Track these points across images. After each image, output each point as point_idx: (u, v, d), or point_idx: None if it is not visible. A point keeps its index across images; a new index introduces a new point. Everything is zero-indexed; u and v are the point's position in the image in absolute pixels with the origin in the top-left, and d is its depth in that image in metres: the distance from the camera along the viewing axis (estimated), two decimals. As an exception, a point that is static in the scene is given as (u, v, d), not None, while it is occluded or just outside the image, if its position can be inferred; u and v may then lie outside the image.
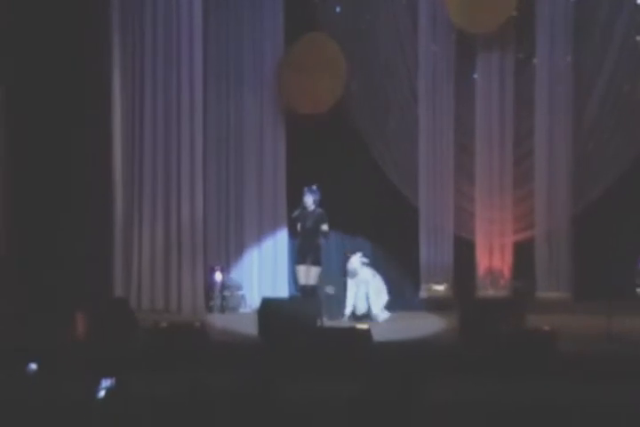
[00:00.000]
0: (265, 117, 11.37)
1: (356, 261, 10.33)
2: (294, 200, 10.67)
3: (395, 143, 11.19)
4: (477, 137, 11.05)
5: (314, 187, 10.10)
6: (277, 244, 11.38)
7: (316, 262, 10.03)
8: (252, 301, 11.02)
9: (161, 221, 11.11)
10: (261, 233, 11.39)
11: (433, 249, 11.10)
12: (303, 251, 10.08)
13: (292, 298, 10.72)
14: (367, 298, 10.28)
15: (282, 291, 11.22)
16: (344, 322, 10.11)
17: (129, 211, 11.18)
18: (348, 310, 10.28)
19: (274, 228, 11.36)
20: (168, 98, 11.04)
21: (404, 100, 11.20)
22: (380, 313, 10.27)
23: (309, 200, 10.06)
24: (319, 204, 10.10)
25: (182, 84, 11.04)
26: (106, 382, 5.64)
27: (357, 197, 11.21)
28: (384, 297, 10.33)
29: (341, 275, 11.10)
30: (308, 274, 10.01)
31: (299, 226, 10.14)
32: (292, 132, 11.33)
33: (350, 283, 10.36)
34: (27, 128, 10.74)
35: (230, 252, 11.44)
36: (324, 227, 9.96)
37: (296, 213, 10.17)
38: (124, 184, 11.15)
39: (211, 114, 11.33)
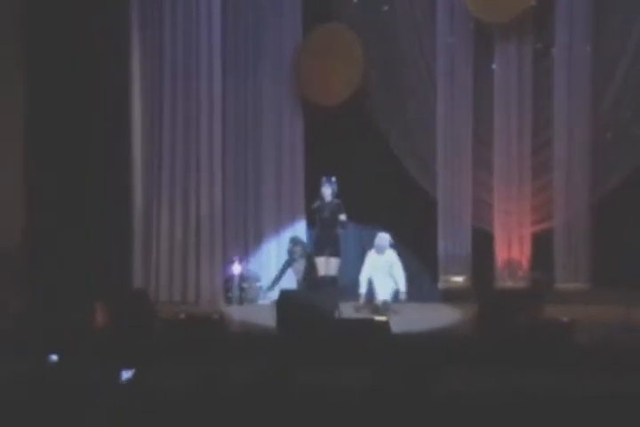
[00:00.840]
0: (283, 108, 11.37)
1: (387, 238, 10.18)
2: (312, 191, 10.68)
3: (412, 134, 11.17)
4: (495, 127, 11.01)
5: (332, 178, 10.12)
6: (296, 234, 11.38)
7: (335, 253, 10.04)
8: (270, 292, 11.05)
9: (180, 212, 11.17)
10: (279, 224, 11.41)
11: (451, 240, 11.09)
12: (321, 242, 10.12)
13: (309, 289, 10.73)
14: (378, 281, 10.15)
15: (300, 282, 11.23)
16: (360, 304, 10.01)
17: (148, 202, 11.23)
18: (362, 289, 10.12)
19: (292, 219, 11.38)
20: (187, 89, 11.09)
21: (422, 90, 11.17)
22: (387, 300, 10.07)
23: (327, 191, 10.09)
24: (336, 195, 10.13)
25: (201, 75, 11.08)
26: (126, 374, 5.68)
27: (375, 188, 11.20)
28: (395, 285, 10.15)
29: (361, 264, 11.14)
30: (328, 265, 10.03)
31: (315, 217, 10.15)
32: (309, 123, 11.33)
33: (370, 259, 10.20)
34: (45, 119, 10.80)
35: (249, 243, 11.47)
36: (342, 217, 9.98)
37: (315, 204, 10.18)
38: (143, 175, 11.22)
39: (229, 105, 11.34)
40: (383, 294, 10.08)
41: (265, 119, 11.39)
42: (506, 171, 11.00)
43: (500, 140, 11.01)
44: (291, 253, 10.89)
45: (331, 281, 10.00)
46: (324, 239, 10.08)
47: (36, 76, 10.75)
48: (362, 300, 10.14)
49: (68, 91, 10.79)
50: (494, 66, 11.03)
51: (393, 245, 10.29)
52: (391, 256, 10.23)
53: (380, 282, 10.15)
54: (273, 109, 11.38)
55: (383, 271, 10.18)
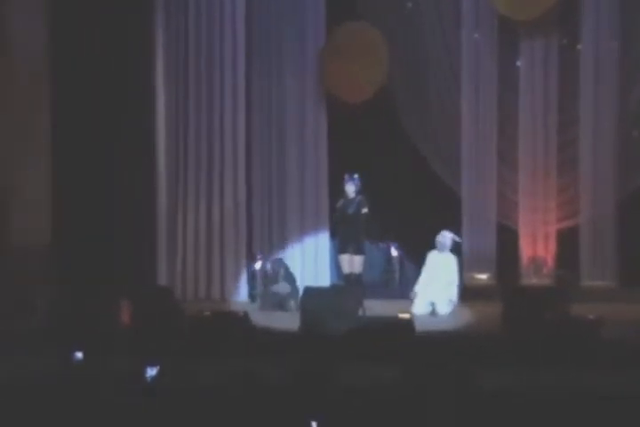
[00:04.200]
0: (307, 106, 11.36)
1: (449, 236, 10.08)
2: (336, 188, 10.68)
3: (436, 131, 11.13)
4: (521, 124, 10.96)
5: (354, 175, 10.08)
6: (319, 232, 11.39)
7: (359, 251, 10.03)
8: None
9: (204, 209, 11.20)
10: (304, 221, 11.40)
11: (476, 238, 11.05)
12: (345, 240, 10.09)
13: (333, 287, 10.75)
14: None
15: (324, 279, 11.26)
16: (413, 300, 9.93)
17: (172, 199, 11.26)
18: (417, 287, 10.05)
19: (316, 215, 11.36)
20: (211, 85, 11.10)
21: (447, 87, 11.13)
22: (444, 306, 9.94)
23: (350, 189, 10.04)
24: (360, 192, 10.07)
25: (225, 74, 11.10)
26: (151, 371, 5.71)
27: (398, 185, 11.18)
28: (452, 291, 10.02)
29: (384, 263, 11.13)
30: (353, 262, 10.01)
31: (337, 214, 10.11)
32: (333, 120, 11.32)
33: (432, 257, 10.13)
34: (70, 116, 10.85)
35: (273, 240, 11.47)
36: (365, 210, 9.95)
37: (339, 203, 10.15)
38: (168, 171, 11.24)
39: (253, 103, 11.34)
40: (441, 305, 9.91)
41: (289, 117, 11.37)
42: (531, 168, 10.95)
43: (526, 137, 10.96)
44: (273, 273, 10.67)
45: (355, 279, 9.99)
46: (347, 237, 10.07)
47: (61, 71, 10.79)
48: (415, 301, 9.99)
49: (92, 86, 10.81)
50: (519, 63, 10.98)
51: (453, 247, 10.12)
52: (450, 258, 10.10)
53: (439, 290, 9.99)
54: (297, 107, 11.36)
55: (442, 275, 10.04)
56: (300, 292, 9.95)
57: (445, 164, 11.14)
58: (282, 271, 10.67)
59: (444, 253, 10.07)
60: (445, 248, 10.08)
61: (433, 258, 10.12)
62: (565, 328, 8.21)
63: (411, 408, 4.89)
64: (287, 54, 11.33)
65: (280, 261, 10.85)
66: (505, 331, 8.66)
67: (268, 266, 10.86)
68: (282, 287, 10.54)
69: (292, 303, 10.24)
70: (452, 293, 10.00)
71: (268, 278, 10.75)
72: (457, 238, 10.20)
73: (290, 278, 10.66)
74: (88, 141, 10.91)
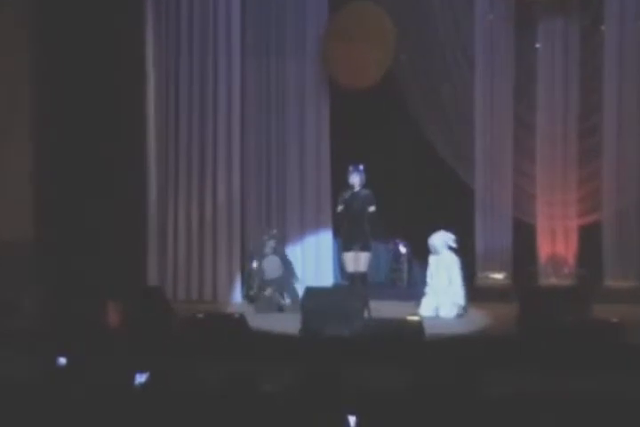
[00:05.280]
0: (308, 90, 11.40)
1: (439, 237, 10.12)
2: (339, 181, 10.72)
3: (448, 118, 11.15)
4: (539, 111, 10.99)
5: (359, 166, 10.08)
6: (321, 228, 11.44)
7: (366, 248, 10.03)
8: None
9: (196, 203, 11.25)
10: (304, 216, 11.46)
11: (490, 234, 11.11)
12: (350, 236, 10.07)
13: (336, 287, 10.79)
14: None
15: (326, 279, 11.30)
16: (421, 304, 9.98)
17: (162, 193, 11.32)
18: (426, 289, 10.10)
19: (317, 211, 11.42)
20: (204, 70, 11.16)
21: (459, 72, 11.15)
22: (448, 310, 9.96)
23: (356, 180, 10.03)
24: (365, 185, 10.11)
25: (219, 54, 11.14)
26: (140, 377, 5.75)
27: (406, 176, 11.24)
28: (454, 293, 9.99)
29: (391, 261, 11.18)
30: (358, 261, 9.99)
31: (341, 208, 10.08)
32: (336, 106, 11.35)
33: (431, 260, 10.13)
34: (54, 103, 10.90)
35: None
36: (372, 208, 9.96)
37: (343, 195, 10.10)
38: (158, 164, 11.30)
39: (249, 87, 11.40)
40: (444, 308, 9.93)
41: (287, 105, 11.42)
42: (550, 157, 10.98)
43: (544, 125, 10.99)
44: (261, 247, 10.66)
45: (360, 278, 10.01)
46: (352, 233, 10.08)
47: (44, 57, 10.84)
48: (422, 302, 10.03)
49: (77, 74, 10.88)
50: (538, 45, 11.00)
51: (453, 248, 10.10)
52: (447, 259, 10.08)
53: (441, 294, 10.00)
54: (296, 94, 11.41)
55: (442, 277, 10.05)
56: (301, 290, 9.99)
57: (457, 154, 11.17)
58: (272, 244, 10.58)
59: (441, 254, 10.09)
60: (438, 250, 10.09)
61: (431, 261, 10.17)
62: (586, 332, 8.24)
63: (420, 416, 4.93)
64: (286, 35, 11.36)
65: (273, 232, 10.79)
66: (521, 334, 8.68)
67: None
68: (271, 263, 10.49)
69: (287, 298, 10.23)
70: (456, 295, 9.98)
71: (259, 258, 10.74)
72: (449, 240, 10.09)
73: (282, 256, 10.59)
74: (73, 133, 10.96)
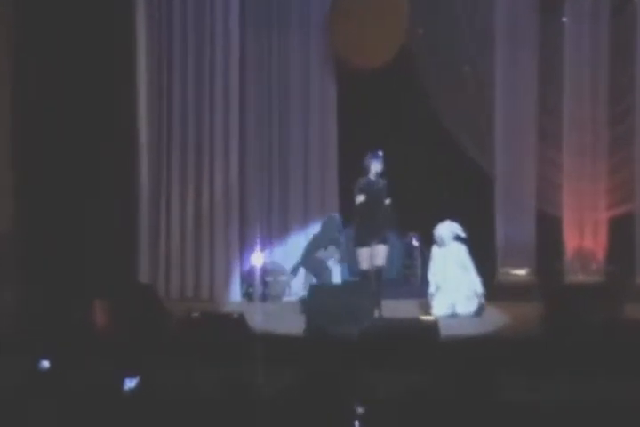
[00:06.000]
0: (312, 71, 11.40)
1: (446, 228, 10.13)
2: (345, 168, 10.71)
3: (465, 102, 11.16)
4: (565, 93, 10.99)
5: (379, 152, 9.92)
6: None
7: (383, 241, 9.88)
8: (298, 287, 11.13)
9: (191, 193, 11.26)
10: (309, 208, 11.47)
11: (512, 227, 11.11)
12: (367, 229, 9.88)
13: (344, 284, 10.80)
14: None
15: (333, 276, 11.29)
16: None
17: (155, 182, 11.33)
18: (432, 288, 10.13)
19: (322, 201, 11.43)
20: (200, 49, 11.15)
21: (478, 49, 11.15)
22: (467, 304, 10.00)
23: (375, 168, 9.82)
24: (382, 174, 9.95)
25: (216, 31, 11.12)
26: (130, 382, 5.76)
27: (419, 163, 11.22)
28: (470, 284, 10.04)
29: (403, 257, 11.18)
30: (375, 255, 9.82)
31: (361, 199, 9.88)
32: (343, 89, 11.34)
33: (435, 254, 10.18)
34: (35, 88, 10.89)
35: (272, 230, 11.54)
36: (387, 201, 9.86)
37: (361, 183, 9.91)
38: (150, 152, 11.30)
39: (249, 68, 11.38)
40: (462, 304, 9.96)
41: (291, 84, 11.42)
42: (577, 144, 10.98)
43: (571, 108, 10.99)
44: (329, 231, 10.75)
45: (376, 273, 9.89)
46: (369, 225, 9.87)
47: (25, 42, 10.85)
48: (433, 304, 10.04)
49: (62, 53, 10.88)
50: (565, 19, 10.96)
51: (462, 238, 10.13)
52: (455, 249, 10.10)
53: (454, 289, 10.03)
54: (301, 73, 11.41)
55: (451, 270, 10.08)
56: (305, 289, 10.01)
57: (476, 140, 11.17)
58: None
59: (448, 246, 10.09)
60: (445, 242, 10.09)
61: (436, 255, 10.15)
62: (616, 333, 8.24)
63: (435, 422, 4.94)
64: (290, 11, 11.35)
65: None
66: (545, 336, 8.70)
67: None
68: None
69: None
70: (473, 283, 10.00)
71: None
72: (458, 230, 10.13)
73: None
74: (59, 119, 10.93)
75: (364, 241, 9.88)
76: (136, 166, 11.26)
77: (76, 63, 10.89)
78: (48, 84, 10.88)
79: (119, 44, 11.05)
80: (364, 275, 9.98)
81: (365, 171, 9.85)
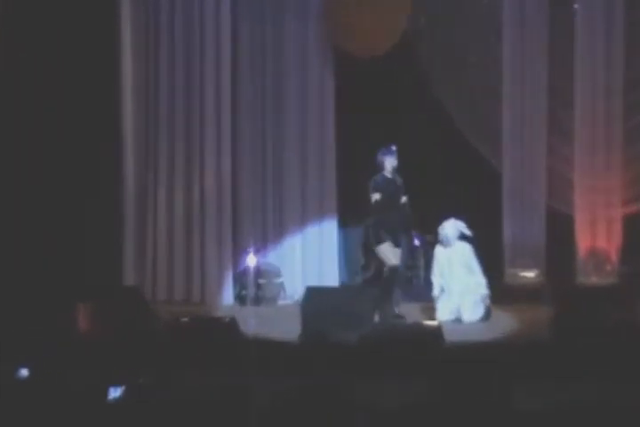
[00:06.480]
0: (309, 60, 11.39)
1: (451, 226, 10.12)
2: (344, 163, 10.69)
3: (471, 91, 11.15)
4: (577, 82, 10.97)
5: (393, 146, 9.87)
6: (325, 219, 11.44)
7: (397, 244, 9.74)
8: (294, 290, 11.13)
9: (180, 189, 11.25)
10: (305, 207, 11.47)
11: (520, 225, 11.10)
12: (383, 225, 9.81)
13: (343, 286, 10.77)
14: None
15: (330, 278, 11.30)
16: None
17: (141, 177, 11.32)
18: (436, 291, 10.12)
19: (320, 198, 11.43)
20: (189, 33, 11.15)
21: (484, 36, 11.15)
22: (473, 308, 10.00)
23: (391, 164, 9.79)
24: (397, 170, 9.86)
25: (206, 16, 11.09)
26: (115, 392, 5.75)
27: (422, 159, 11.20)
28: (477, 286, 10.05)
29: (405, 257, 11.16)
30: (391, 253, 9.74)
31: (377, 197, 9.82)
32: (342, 77, 11.33)
33: (439, 254, 10.16)
34: (19, 71, 10.88)
35: (267, 229, 11.53)
36: (404, 199, 9.79)
37: (380, 181, 9.89)
38: (135, 140, 11.27)
39: (242, 55, 11.38)
40: (468, 307, 9.94)
41: (287, 74, 11.42)
42: (590, 137, 10.97)
43: (583, 98, 10.98)
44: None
45: (391, 272, 9.81)
46: (385, 223, 9.79)
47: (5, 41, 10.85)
48: (437, 307, 10.01)
49: (42, 34, 10.86)
50: (577, 5, 10.94)
51: (467, 237, 10.11)
52: (460, 249, 10.09)
53: (460, 291, 10.01)
54: (297, 61, 11.40)
55: (456, 271, 10.07)
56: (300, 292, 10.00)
57: (482, 132, 11.16)
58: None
59: (453, 246, 10.08)
60: (450, 241, 10.08)
61: (440, 256, 10.11)
62: (631, 338, 8.24)
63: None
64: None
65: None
66: (555, 341, 8.69)
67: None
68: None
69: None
70: (480, 285, 9.99)
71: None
72: (463, 228, 10.11)
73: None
74: (36, 107, 10.90)
75: (381, 238, 9.79)
76: (121, 163, 11.23)
77: (57, 54, 10.86)
78: (29, 81, 10.86)
79: (102, 33, 11.03)
80: (394, 270, 9.82)
81: (380, 167, 9.81)
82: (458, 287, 10.02)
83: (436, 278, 10.16)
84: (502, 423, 5.06)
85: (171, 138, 11.27)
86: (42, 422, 5.53)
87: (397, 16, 10.91)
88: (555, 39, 11.03)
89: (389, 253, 9.80)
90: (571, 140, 11.07)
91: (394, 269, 9.81)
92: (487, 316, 9.95)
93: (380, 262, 9.89)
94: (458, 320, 9.89)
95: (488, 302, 10.01)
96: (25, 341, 8.55)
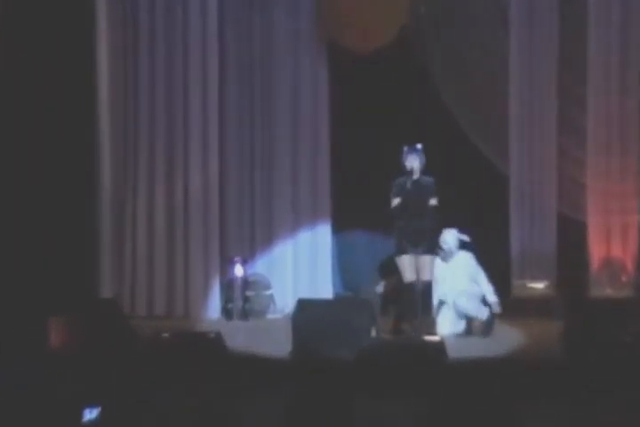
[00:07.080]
0: (301, 54, 11.43)
1: (452, 235, 10.09)
2: (339, 160, 10.70)
3: (476, 88, 11.19)
4: (590, 80, 10.99)
5: (417, 145, 9.74)
6: (318, 226, 11.47)
7: (430, 250, 9.61)
8: (285, 303, 11.14)
9: (162, 193, 11.25)
10: (297, 213, 11.49)
11: (528, 233, 11.13)
12: (409, 236, 9.52)
13: (338, 299, 10.78)
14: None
15: (323, 291, 11.32)
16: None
17: (119, 178, 11.32)
18: (437, 303, 10.07)
19: (313, 204, 11.45)
20: (171, 24, 11.17)
21: (490, 30, 11.18)
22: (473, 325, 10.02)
23: (415, 164, 9.63)
24: (425, 170, 9.71)
25: (191, 10, 11.15)
26: (90, 413, 5.73)
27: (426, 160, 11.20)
28: (482, 293, 10.05)
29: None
30: (421, 267, 9.59)
31: (398, 202, 9.68)
32: (337, 72, 11.37)
33: (440, 265, 10.02)
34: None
35: (256, 238, 11.54)
36: (434, 201, 9.62)
37: (403, 183, 9.54)
38: (112, 142, 11.27)
39: (229, 48, 11.43)
40: (471, 322, 9.98)
41: (276, 70, 11.44)
42: (604, 138, 10.98)
43: (596, 100, 11.00)
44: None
45: (424, 288, 9.56)
46: (412, 231, 9.63)
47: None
48: (438, 320, 9.96)
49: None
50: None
51: (468, 246, 10.11)
52: (462, 259, 10.10)
53: (466, 301, 10.01)
54: (287, 58, 11.45)
55: (460, 282, 10.06)
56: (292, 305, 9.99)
57: (487, 132, 11.17)
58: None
59: (455, 255, 10.07)
60: (453, 251, 10.07)
61: (441, 267, 10.01)
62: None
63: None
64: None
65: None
66: (566, 357, 8.69)
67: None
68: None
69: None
70: (488, 293, 9.98)
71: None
72: (461, 236, 10.08)
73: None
74: (10, 114, 10.89)
75: (404, 248, 9.59)
76: (97, 168, 11.20)
77: (30, 47, 10.85)
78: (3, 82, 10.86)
79: (77, 24, 11.03)
80: (410, 289, 9.53)
81: (403, 168, 9.66)
82: (461, 299, 10.01)
83: (437, 291, 10.13)
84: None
85: (152, 140, 11.28)
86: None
87: (395, 8, 10.95)
88: (565, 36, 11.09)
89: (408, 267, 9.59)
90: (583, 142, 11.10)
91: (408, 287, 9.67)
92: (492, 329, 9.93)
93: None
94: (462, 334, 9.88)
95: (495, 315, 9.98)
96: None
